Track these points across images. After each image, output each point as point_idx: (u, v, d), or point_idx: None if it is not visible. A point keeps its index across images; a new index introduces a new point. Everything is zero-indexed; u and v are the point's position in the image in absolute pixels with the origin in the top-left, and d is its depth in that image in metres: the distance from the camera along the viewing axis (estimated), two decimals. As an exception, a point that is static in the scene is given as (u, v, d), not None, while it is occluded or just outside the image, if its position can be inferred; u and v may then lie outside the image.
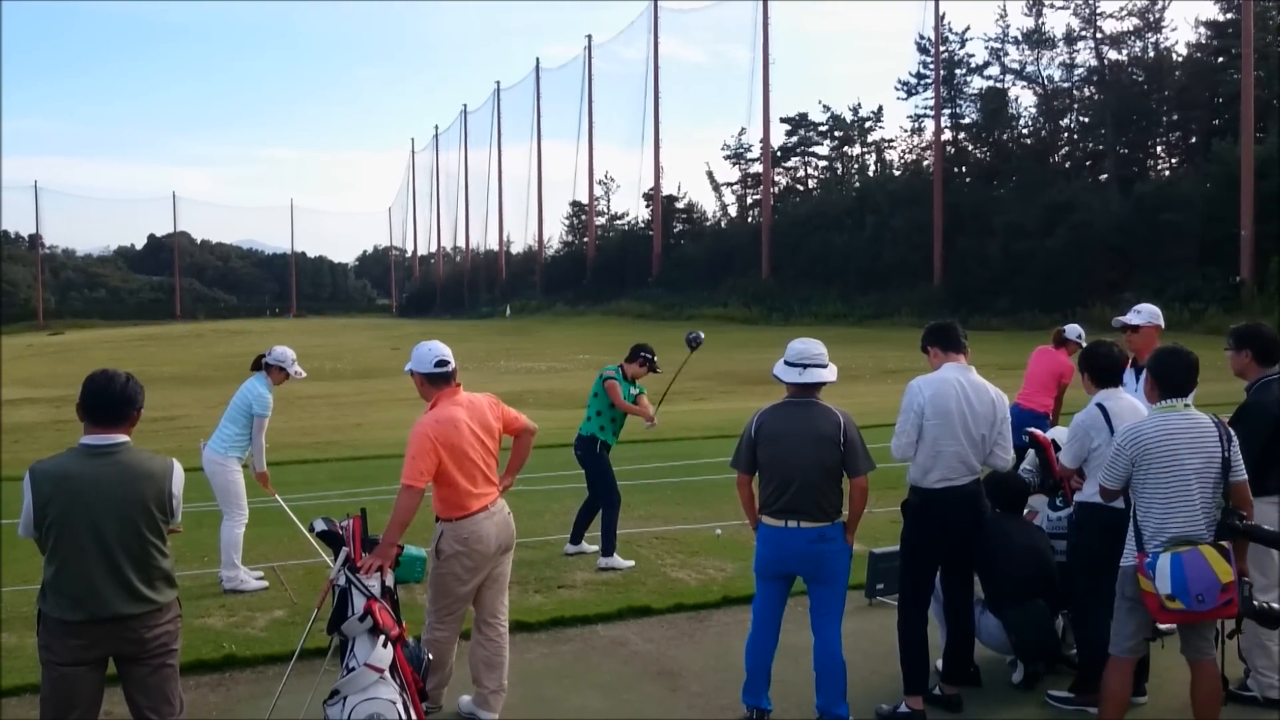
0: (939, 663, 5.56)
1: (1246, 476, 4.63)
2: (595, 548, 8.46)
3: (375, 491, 10.75)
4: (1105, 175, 48.05)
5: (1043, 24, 51.66)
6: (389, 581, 4.88)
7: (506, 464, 5.50)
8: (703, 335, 8.94)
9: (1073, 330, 9.35)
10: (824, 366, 5.12)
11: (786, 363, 5.13)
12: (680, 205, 72.09)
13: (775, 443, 5.07)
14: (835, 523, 5.07)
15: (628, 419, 8.58)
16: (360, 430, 18.00)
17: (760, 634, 5.23)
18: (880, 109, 65.85)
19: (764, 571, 5.22)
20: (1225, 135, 40.66)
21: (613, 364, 8.62)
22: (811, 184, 68.09)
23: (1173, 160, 50.74)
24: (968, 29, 59.61)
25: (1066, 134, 53.42)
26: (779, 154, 66.21)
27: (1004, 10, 61.91)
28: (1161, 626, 4.63)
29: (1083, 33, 50.30)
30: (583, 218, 78.57)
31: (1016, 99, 54.78)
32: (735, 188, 71.77)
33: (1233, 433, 4.64)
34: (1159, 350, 4.85)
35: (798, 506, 5.01)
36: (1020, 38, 52.57)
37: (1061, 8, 50.47)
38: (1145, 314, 6.65)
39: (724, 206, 73.17)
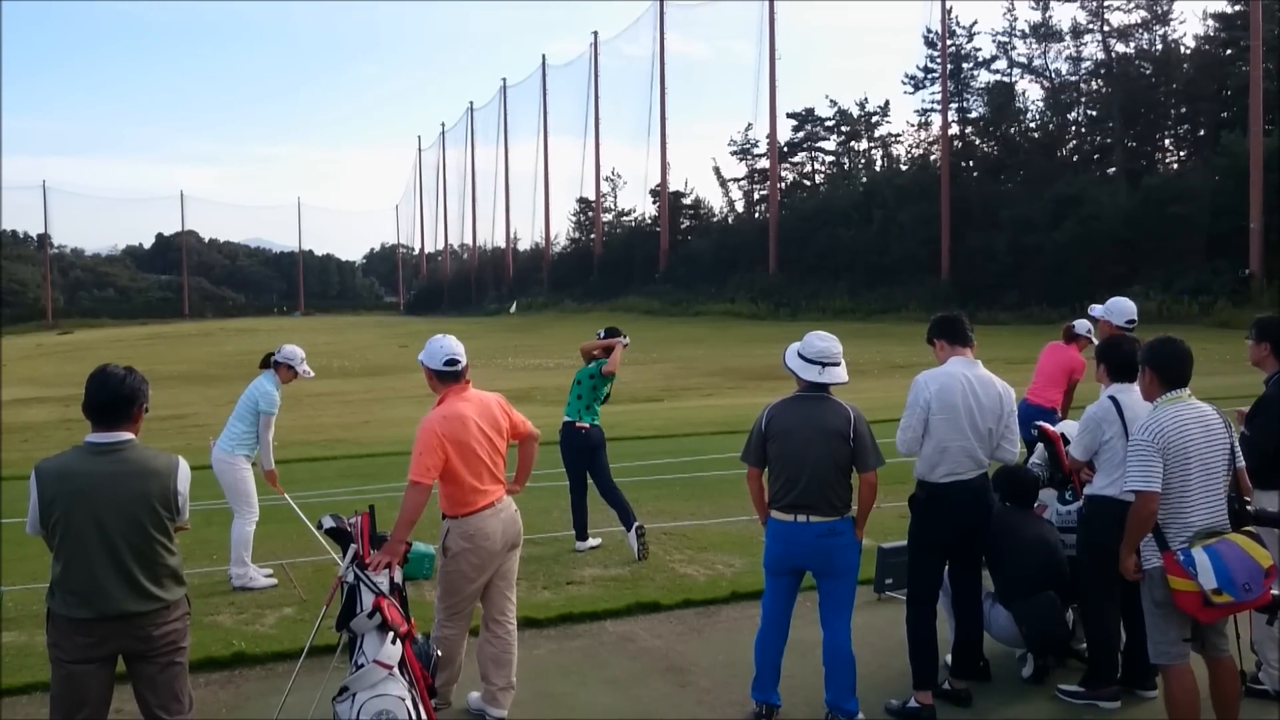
0: (948, 657, 5.55)
1: (1246, 462, 4.63)
2: (599, 541, 8.57)
3: (383, 489, 10.78)
4: (1113, 169, 47.90)
5: (1050, 17, 51.57)
6: (397, 578, 4.88)
7: (515, 471, 5.50)
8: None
9: (1082, 325, 9.32)
10: (839, 365, 5.12)
11: (804, 358, 5.11)
12: (687, 201, 72.10)
13: (785, 437, 5.06)
14: (845, 517, 5.05)
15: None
16: (368, 428, 18.04)
17: (770, 629, 5.21)
18: (887, 103, 65.78)
19: (773, 566, 5.21)
20: (1234, 128, 40.46)
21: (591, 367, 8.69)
22: (818, 179, 67.97)
23: (1181, 153, 50.55)
24: (975, 23, 59.82)
25: (1074, 127, 53.26)
26: (785, 149, 66.11)
27: (1011, 4, 61.62)
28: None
29: (1090, 26, 50.21)
30: (589, 214, 78.56)
31: (1024, 93, 54.78)
32: (742, 183, 71.78)
33: (1227, 419, 4.63)
34: (1154, 342, 4.75)
35: (807, 501, 5.00)
36: (1027, 31, 52.48)
37: (1069, 1, 50.34)
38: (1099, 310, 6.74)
39: (731, 202, 73.21)
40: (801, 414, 5.08)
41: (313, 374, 8.24)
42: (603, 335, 8.82)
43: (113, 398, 3.98)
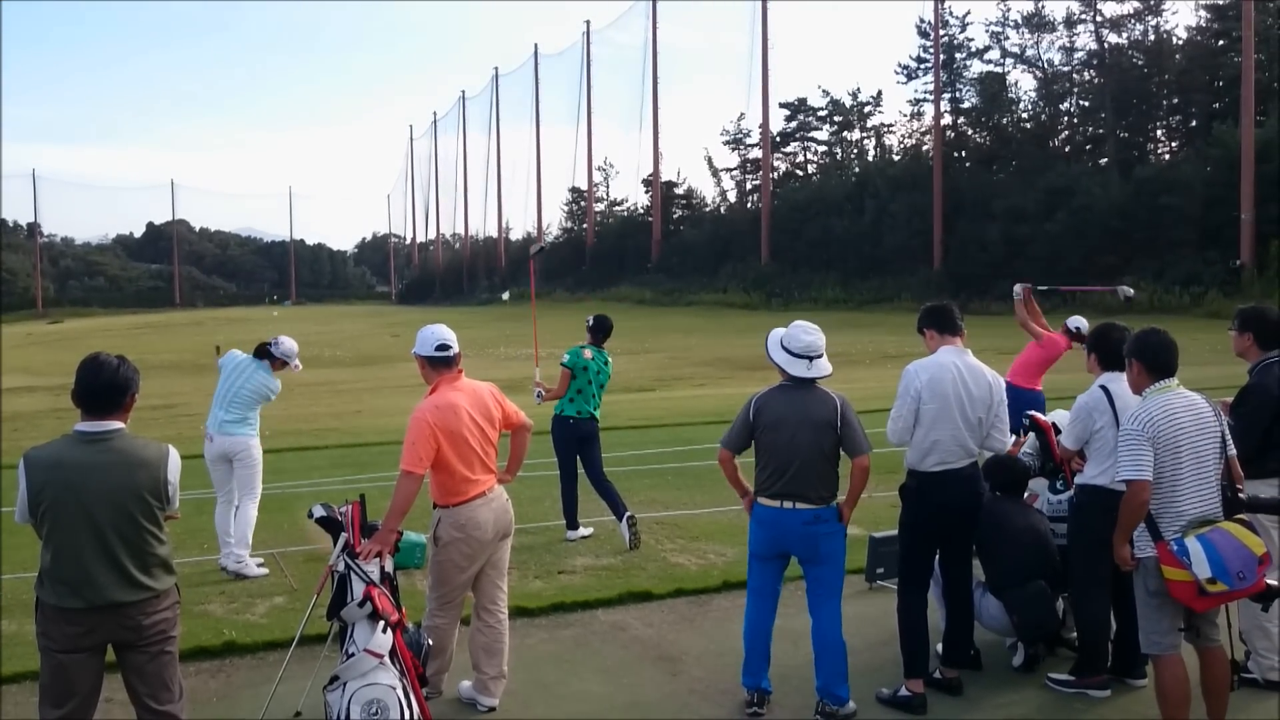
0: (939, 646, 5.56)
1: (1236, 451, 4.64)
2: (591, 530, 8.57)
3: (375, 478, 10.75)
4: (1105, 159, 47.97)
5: (1042, 7, 51.65)
6: (388, 567, 4.88)
7: (507, 461, 5.49)
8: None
9: (1074, 322, 9.39)
10: (823, 356, 5.13)
11: (790, 352, 5.11)
12: (679, 191, 72.01)
13: (774, 428, 5.06)
14: (830, 505, 5.08)
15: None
16: (359, 417, 18.00)
17: (757, 612, 5.22)
18: (880, 93, 66.00)
19: (759, 551, 5.22)
20: (1226, 119, 40.56)
21: (577, 345, 8.68)
22: (811, 169, 67.93)
23: (1173, 144, 50.65)
24: (968, 13, 59.91)
25: (1066, 118, 53.30)
26: (778, 139, 66.07)
27: (1004, -6, 61.50)
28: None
29: (1083, 16, 50.27)
30: (582, 204, 78.40)
31: (1016, 83, 54.81)
32: (734, 173, 71.74)
33: (1218, 407, 4.63)
34: (1139, 334, 4.75)
35: (795, 490, 5.01)
36: (1020, 21, 52.52)
37: (1061, -9, 50.38)
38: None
39: (723, 192, 73.18)
40: (790, 404, 5.09)
41: (300, 368, 8.28)
42: (591, 323, 8.79)
43: (104, 387, 3.96)
